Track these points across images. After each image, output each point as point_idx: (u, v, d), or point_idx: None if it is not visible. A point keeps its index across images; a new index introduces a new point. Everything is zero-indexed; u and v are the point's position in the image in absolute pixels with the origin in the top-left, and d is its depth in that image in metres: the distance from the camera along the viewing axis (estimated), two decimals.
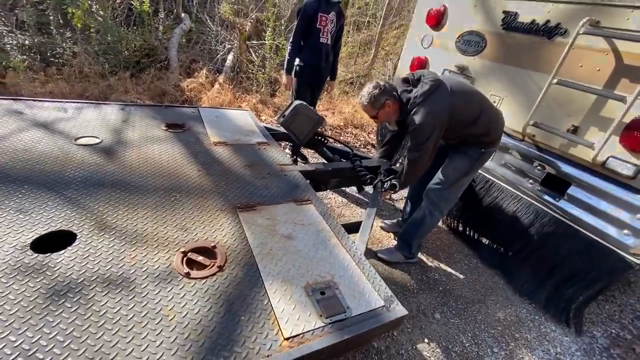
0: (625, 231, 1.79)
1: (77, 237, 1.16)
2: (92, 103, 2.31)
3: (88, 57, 4.27)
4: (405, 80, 1.89)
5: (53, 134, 1.81)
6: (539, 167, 2.17)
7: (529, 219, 2.24)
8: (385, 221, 2.76)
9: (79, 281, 1.01)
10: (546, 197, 2.15)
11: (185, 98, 4.34)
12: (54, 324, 0.87)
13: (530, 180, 2.22)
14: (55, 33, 4.29)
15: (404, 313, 1.13)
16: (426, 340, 1.86)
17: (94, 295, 0.97)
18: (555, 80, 1.96)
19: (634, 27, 1.68)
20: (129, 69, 4.52)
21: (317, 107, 2.21)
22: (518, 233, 2.32)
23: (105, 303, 0.96)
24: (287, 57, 3.01)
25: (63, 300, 0.94)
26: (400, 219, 2.73)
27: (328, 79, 3.29)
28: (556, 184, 2.11)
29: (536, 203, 2.20)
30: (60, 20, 4.50)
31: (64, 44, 4.28)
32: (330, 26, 2.93)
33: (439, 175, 2.07)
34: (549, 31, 2.04)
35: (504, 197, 2.39)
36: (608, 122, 1.79)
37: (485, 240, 2.65)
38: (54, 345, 0.82)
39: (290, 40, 2.96)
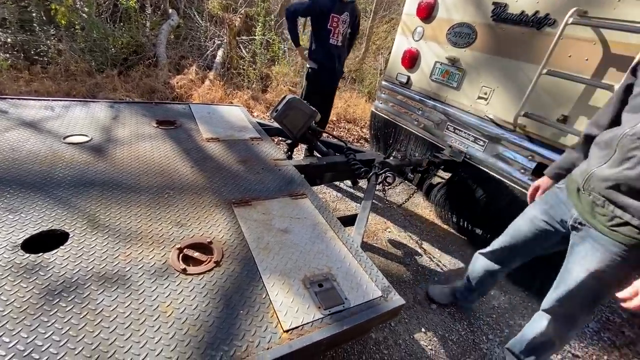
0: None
1: (70, 236, 1.14)
2: (80, 101, 2.26)
3: (74, 55, 4.18)
4: None
5: (40, 132, 1.77)
6: (530, 157, 2.20)
7: (520, 208, 2.27)
8: (435, 286, 2.14)
9: (73, 280, 0.99)
10: None
11: (176, 95, 4.28)
12: (49, 324, 0.86)
13: (522, 170, 2.26)
14: (39, 30, 4.18)
15: (401, 303, 1.14)
16: (423, 329, 1.89)
17: (89, 294, 0.96)
18: (545, 71, 1.98)
19: (620, 16, 1.70)
20: (117, 66, 4.44)
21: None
22: (509, 223, 2.35)
23: (102, 301, 0.94)
24: (288, 30, 2.97)
25: (57, 299, 0.92)
26: (457, 285, 2.06)
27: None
28: None
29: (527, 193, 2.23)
30: (44, 17, 4.38)
31: (48, 42, 4.17)
32: (342, 27, 2.87)
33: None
34: (538, 22, 2.06)
35: (495, 187, 2.42)
36: (597, 111, 1.82)
37: (478, 231, 2.68)
38: (50, 345, 0.81)
39: (290, 9, 2.83)
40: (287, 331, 0.95)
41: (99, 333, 0.86)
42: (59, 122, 1.91)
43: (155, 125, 2.09)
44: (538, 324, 1.50)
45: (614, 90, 1.70)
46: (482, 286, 1.87)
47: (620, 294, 1.08)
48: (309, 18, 3.00)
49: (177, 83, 4.44)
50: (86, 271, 1.03)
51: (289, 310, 1.02)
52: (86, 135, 1.81)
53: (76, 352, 0.81)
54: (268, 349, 0.90)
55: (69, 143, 1.71)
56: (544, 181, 1.58)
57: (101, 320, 0.89)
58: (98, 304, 0.94)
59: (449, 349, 1.82)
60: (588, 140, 1.40)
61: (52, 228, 1.16)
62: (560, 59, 1.95)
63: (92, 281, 1.00)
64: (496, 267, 1.75)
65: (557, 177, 1.53)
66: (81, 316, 0.89)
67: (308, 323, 0.99)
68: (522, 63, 2.17)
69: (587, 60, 1.86)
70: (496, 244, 1.74)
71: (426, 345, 1.80)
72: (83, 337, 0.84)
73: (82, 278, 1.00)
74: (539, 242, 1.51)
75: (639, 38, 1.61)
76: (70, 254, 1.08)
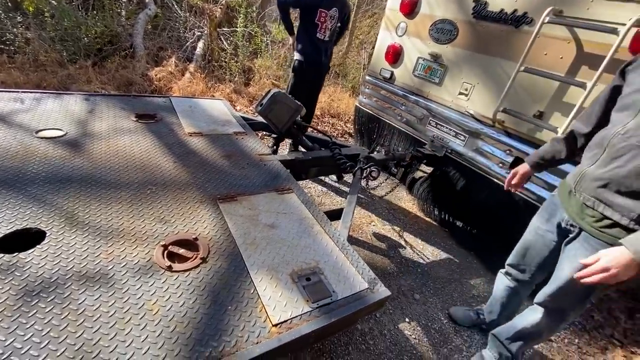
0: None
1: (47, 235, 1.10)
2: (52, 93, 2.15)
3: (43, 44, 3.96)
4: None
5: (10, 126, 1.67)
6: (507, 152, 2.28)
7: (499, 200, 2.36)
8: (458, 308, 2.06)
9: (52, 280, 0.95)
10: None
11: (155, 88, 4.15)
12: (27, 326, 0.83)
13: (500, 164, 2.34)
14: (4, 17, 3.93)
15: (387, 294, 1.16)
16: (407, 319, 1.94)
17: (70, 294, 0.93)
18: (522, 68, 2.05)
19: (593, 16, 1.78)
20: (91, 56, 4.25)
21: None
22: (489, 215, 2.44)
23: (83, 301, 0.92)
24: (281, 20, 2.98)
25: (36, 300, 0.89)
26: (481, 307, 2.02)
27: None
28: None
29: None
30: (9, 4, 4.12)
31: (15, 30, 3.93)
32: (330, 22, 2.87)
33: None
34: (517, 20, 2.12)
35: (475, 181, 2.50)
36: (570, 107, 1.91)
37: (459, 223, 2.77)
38: (30, 347, 0.78)
39: None
40: (276, 325, 0.96)
41: (82, 333, 0.84)
42: (30, 115, 1.82)
43: (135, 119, 2.02)
44: (531, 316, 1.55)
45: (586, 87, 1.79)
46: (508, 306, 1.79)
47: (583, 260, 1.13)
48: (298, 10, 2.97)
49: (156, 75, 4.30)
50: (66, 270, 0.99)
51: (277, 305, 1.02)
52: (60, 130, 1.73)
53: (58, 354, 0.78)
54: (257, 343, 0.91)
55: (42, 137, 1.63)
56: (522, 167, 1.62)
57: (84, 321, 0.87)
58: (80, 303, 0.91)
59: (432, 337, 1.88)
60: (573, 135, 1.45)
61: (27, 227, 1.11)
62: (536, 57, 2.02)
63: (73, 281, 0.97)
64: (517, 284, 1.71)
65: (536, 165, 1.58)
66: (62, 317, 0.87)
67: (297, 316, 1.00)
68: (501, 60, 2.24)
69: (561, 58, 1.94)
70: (510, 259, 1.72)
71: (410, 335, 1.86)
72: (65, 338, 0.82)
73: (62, 278, 0.97)
74: (549, 251, 1.50)
75: (609, 37, 1.69)
76: (48, 253, 1.04)
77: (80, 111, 1.99)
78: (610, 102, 1.29)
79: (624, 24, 1.62)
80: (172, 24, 5.34)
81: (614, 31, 1.66)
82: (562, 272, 1.37)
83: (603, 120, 1.31)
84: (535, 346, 1.98)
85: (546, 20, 1.90)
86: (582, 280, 1.12)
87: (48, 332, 0.83)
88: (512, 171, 1.65)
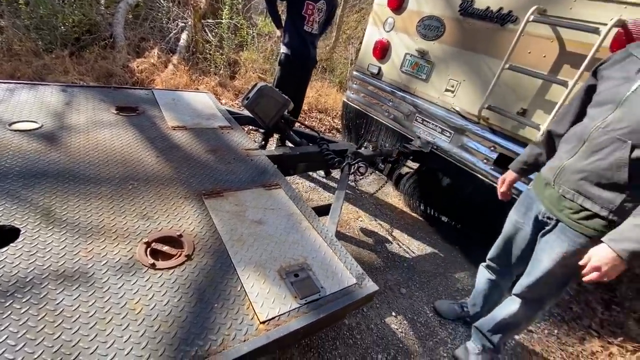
0: None
1: (21, 232, 1.05)
2: (27, 84, 2.05)
3: (17, 33, 3.77)
4: None
5: None
6: (492, 148, 2.32)
7: (483, 196, 2.40)
8: (443, 302, 2.10)
9: (27, 280, 0.91)
10: (498, 176, 2.30)
11: (136, 80, 4.02)
12: (2, 328, 0.79)
13: (485, 160, 2.38)
14: None
15: (375, 289, 1.17)
16: (394, 313, 1.96)
17: (46, 294, 0.89)
18: (507, 66, 2.07)
19: (576, 16, 1.82)
20: (68, 46, 4.07)
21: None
22: (473, 210, 2.48)
23: (61, 301, 0.88)
24: (268, 12, 2.97)
25: (10, 301, 0.85)
26: (465, 300, 2.06)
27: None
28: (508, 164, 2.26)
29: (489, 181, 2.36)
30: None
31: None
32: (317, 15, 2.83)
33: None
34: (502, 18, 2.14)
35: (460, 177, 2.53)
36: (552, 105, 1.95)
37: (444, 218, 2.81)
38: (5, 350, 0.74)
39: None
40: (263, 322, 0.95)
41: (60, 335, 0.80)
42: (3, 106, 1.73)
43: (115, 112, 1.95)
44: (509, 307, 1.59)
45: (568, 86, 1.83)
46: (490, 298, 1.84)
47: (581, 262, 1.16)
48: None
49: (138, 67, 4.17)
50: (42, 269, 0.95)
51: (265, 302, 1.01)
52: (36, 122, 1.65)
53: (35, 357, 0.75)
54: (244, 341, 0.89)
55: (15, 130, 1.55)
56: (509, 175, 1.66)
57: (62, 321, 0.83)
58: (57, 304, 0.87)
59: (418, 331, 1.90)
60: (550, 136, 1.48)
61: (0, 224, 1.06)
62: (521, 55, 2.06)
63: (50, 280, 0.92)
64: (497, 277, 1.75)
65: (520, 171, 1.62)
66: (39, 318, 0.83)
67: (285, 313, 0.99)
68: (487, 57, 2.26)
69: (545, 56, 1.98)
70: (491, 253, 1.76)
71: (396, 329, 1.88)
72: (42, 339, 0.78)
73: (38, 277, 0.92)
74: (527, 243, 1.53)
75: (591, 37, 1.73)
76: (22, 252, 0.99)
77: (57, 103, 1.90)
78: (586, 102, 1.33)
79: (605, 24, 1.66)
80: (154, 14, 5.17)
81: (596, 31, 1.70)
82: (540, 264, 1.41)
83: (578, 121, 1.35)
84: (517, 337, 2.04)
85: (531, 19, 1.93)
86: (585, 279, 1.15)
87: (24, 334, 0.79)
88: (500, 180, 1.68)
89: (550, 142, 1.49)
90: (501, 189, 1.67)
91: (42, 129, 1.62)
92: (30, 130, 1.58)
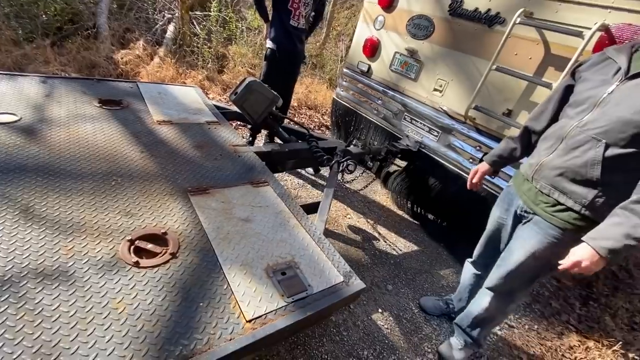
0: None
1: None
2: (5, 74, 1.97)
3: None
4: None
5: None
6: (478, 148, 2.36)
7: (468, 195, 2.44)
8: (428, 298, 2.13)
9: (5, 278, 0.88)
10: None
11: (120, 72, 3.92)
12: None
13: (470, 160, 2.42)
14: None
15: (362, 287, 1.18)
16: (380, 310, 1.99)
17: (25, 292, 0.86)
18: (494, 67, 2.11)
19: (561, 19, 1.86)
20: (49, 36, 3.93)
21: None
22: (458, 208, 2.53)
23: (41, 300, 0.85)
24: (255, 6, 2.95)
25: None
26: (450, 296, 2.09)
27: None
28: None
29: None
30: None
31: None
32: (303, 9, 2.78)
33: None
34: (490, 19, 2.17)
35: (447, 175, 2.57)
36: (536, 106, 1.99)
37: (430, 216, 2.85)
38: None
39: None
40: (250, 321, 0.94)
41: (40, 334, 0.78)
42: None
43: (98, 105, 1.90)
44: (482, 300, 1.64)
45: (552, 88, 1.87)
46: (474, 293, 1.81)
47: (561, 261, 1.20)
48: None
49: (122, 58, 4.06)
50: (20, 268, 0.92)
51: (251, 300, 1.00)
52: (14, 114, 1.59)
53: (15, 357, 0.73)
54: (230, 340, 0.89)
55: None
56: (482, 166, 1.70)
57: (42, 321, 0.81)
58: (37, 303, 0.85)
59: (403, 327, 1.93)
60: (527, 132, 1.53)
61: None
62: (507, 57, 2.09)
63: (29, 278, 0.90)
64: (483, 272, 1.76)
65: (494, 164, 1.66)
66: (17, 317, 0.80)
67: (271, 311, 0.99)
68: (475, 58, 2.29)
69: (530, 58, 2.01)
70: (477, 250, 1.80)
71: (383, 325, 1.90)
72: (22, 339, 0.76)
73: (16, 275, 0.89)
74: (510, 239, 1.55)
75: (575, 40, 1.77)
76: (0, 249, 0.95)
77: (37, 94, 1.83)
78: (563, 101, 1.38)
79: (589, 28, 1.70)
80: (140, 4, 5.04)
81: (580, 34, 1.74)
82: (512, 255, 1.45)
83: (555, 118, 1.40)
84: (499, 332, 2.09)
85: (517, 21, 1.96)
86: (560, 267, 1.20)
87: (2, 333, 0.76)
88: (472, 170, 1.72)
89: (526, 138, 1.54)
90: (473, 179, 1.71)
91: (21, 121, 1.56)
92: (8, 123, 1.52)
